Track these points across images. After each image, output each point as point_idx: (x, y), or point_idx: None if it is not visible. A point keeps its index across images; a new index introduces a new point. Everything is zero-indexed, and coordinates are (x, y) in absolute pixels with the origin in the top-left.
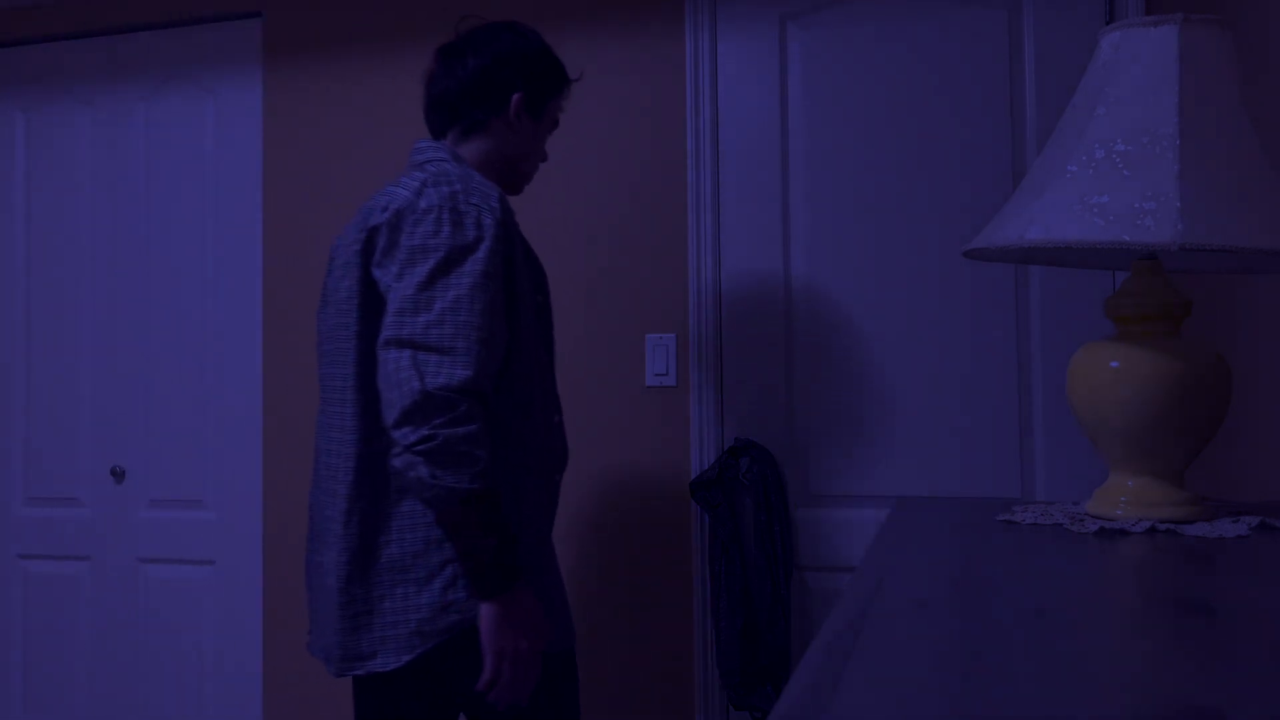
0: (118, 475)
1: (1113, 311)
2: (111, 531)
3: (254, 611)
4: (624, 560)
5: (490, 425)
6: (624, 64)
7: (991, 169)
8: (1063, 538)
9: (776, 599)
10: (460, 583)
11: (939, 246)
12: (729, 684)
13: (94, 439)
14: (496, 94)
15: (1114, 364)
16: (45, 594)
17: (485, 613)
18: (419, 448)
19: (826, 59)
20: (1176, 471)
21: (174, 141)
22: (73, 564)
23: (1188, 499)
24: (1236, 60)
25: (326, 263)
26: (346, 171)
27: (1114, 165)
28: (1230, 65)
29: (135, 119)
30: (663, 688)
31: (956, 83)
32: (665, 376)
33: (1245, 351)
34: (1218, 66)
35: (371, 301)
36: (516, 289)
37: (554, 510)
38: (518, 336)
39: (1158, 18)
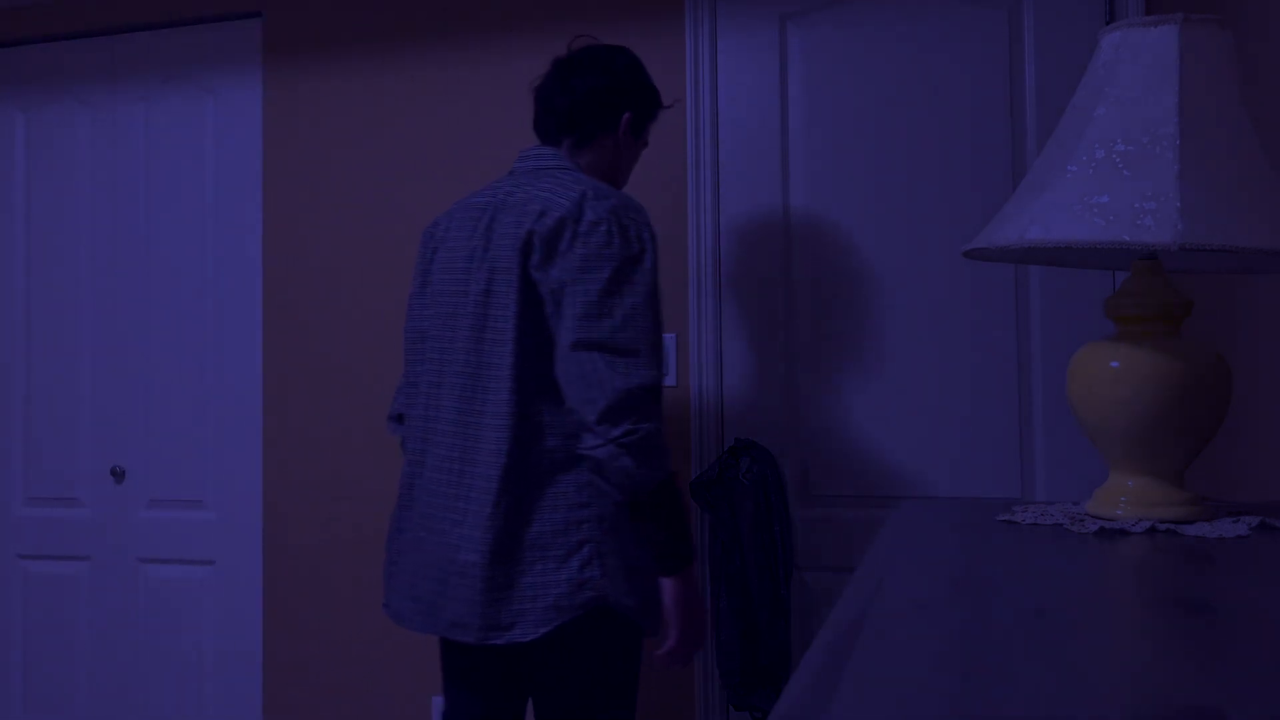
0: (118, 475)
1: (1113, 311)
2: (111, 531)
3: (254, 611)
4: None
5: None
6: None
7: (991, 169)
8: (1063, 538)
9: (777, 599)
10: (595, 562)
11: (939, 246)
12: (729, 684)
13: (94, 439)
14: (610, 112)
15: (1114, 364)
16: (45, 594)
17: (668, 586)
18: (624, 440)
19: (826, 59)
20: (1176, 471)
21: (174, 141)
22: (73, 564)
23: (1188, 499)
24: (1236, 60)
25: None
26: (346, 171)
27: (1114, 165)
28: (1230, 65)
29: (135, 119)
30: (663, 688)
31: (956, 82)
32: (665, 376)
33: (1245, 351)
34: (1218, 66)
35: (532, 300)
36: None
37: None
38: None
39: (1158, 18)
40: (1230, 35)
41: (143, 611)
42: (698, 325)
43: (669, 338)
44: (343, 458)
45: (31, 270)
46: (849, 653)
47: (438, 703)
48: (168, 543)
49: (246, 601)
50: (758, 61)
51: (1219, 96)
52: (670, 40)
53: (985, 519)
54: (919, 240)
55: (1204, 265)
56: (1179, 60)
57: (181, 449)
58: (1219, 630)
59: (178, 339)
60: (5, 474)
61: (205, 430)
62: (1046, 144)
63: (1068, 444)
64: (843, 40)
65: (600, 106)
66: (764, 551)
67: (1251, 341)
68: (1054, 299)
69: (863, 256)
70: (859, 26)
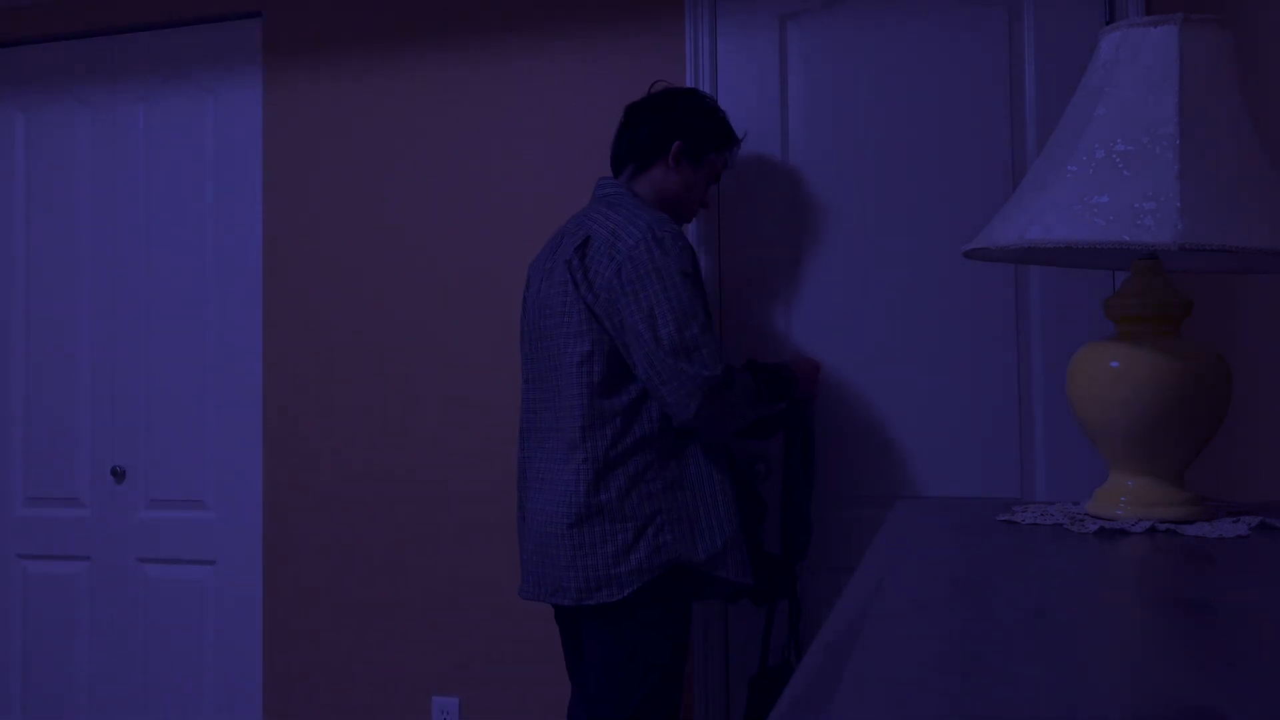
0: (118, 475)
1: (1113, 311)
2: (111, 531)
3: (254, 611)
4: None
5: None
6: (624, 65)
7: (991, 169)
8: (1063, 538)
9: (806, 474)
10: (666, 529)
11: (939, 247)
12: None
13: (94, 439)
14: (662, 142)
15: (1114, 364)
16: (45, 594)
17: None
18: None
19: (826, 59)
20: (1176, 471)
21: (174, 141)
22: (73, 564)
23: (1188, 499)
24: (1236, 60)
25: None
26: (346, 171)
27: (1114, 165)
28: (1230, 65)
29: (135, 119)
30: None
31: (956, 82)
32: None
33: (1245, 351)
34: (1218, 66)
35: (590, 307)
36: None
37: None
38: None
39: (1158, 18)
40: (1230, 35)
41: (143, 611)
42: None
43: None
44: (343, 457)
45: (31, 270)
46: (849, 653)
47: (438, 703)
48: (168, 543)
49: (246, 601)
50: (758, 61)
51: (1219, 96)
52: (670, 40)
53: (985, 519)
54: (919, 240)
55: (1204, 265)
56: (1179, 60)
57: (181, 449)
58: (1219, 630)
59: (177, 339)
60: (5, 474)
61: (205, 430)
62: (1046, 144)
63: (1068, 444)
64: (843, 40)
65: (655, 139)
66: (793, 432)
67: (1251, 341)
68: (1054, 299)
69: (863, 256)
70: (859, 26)
